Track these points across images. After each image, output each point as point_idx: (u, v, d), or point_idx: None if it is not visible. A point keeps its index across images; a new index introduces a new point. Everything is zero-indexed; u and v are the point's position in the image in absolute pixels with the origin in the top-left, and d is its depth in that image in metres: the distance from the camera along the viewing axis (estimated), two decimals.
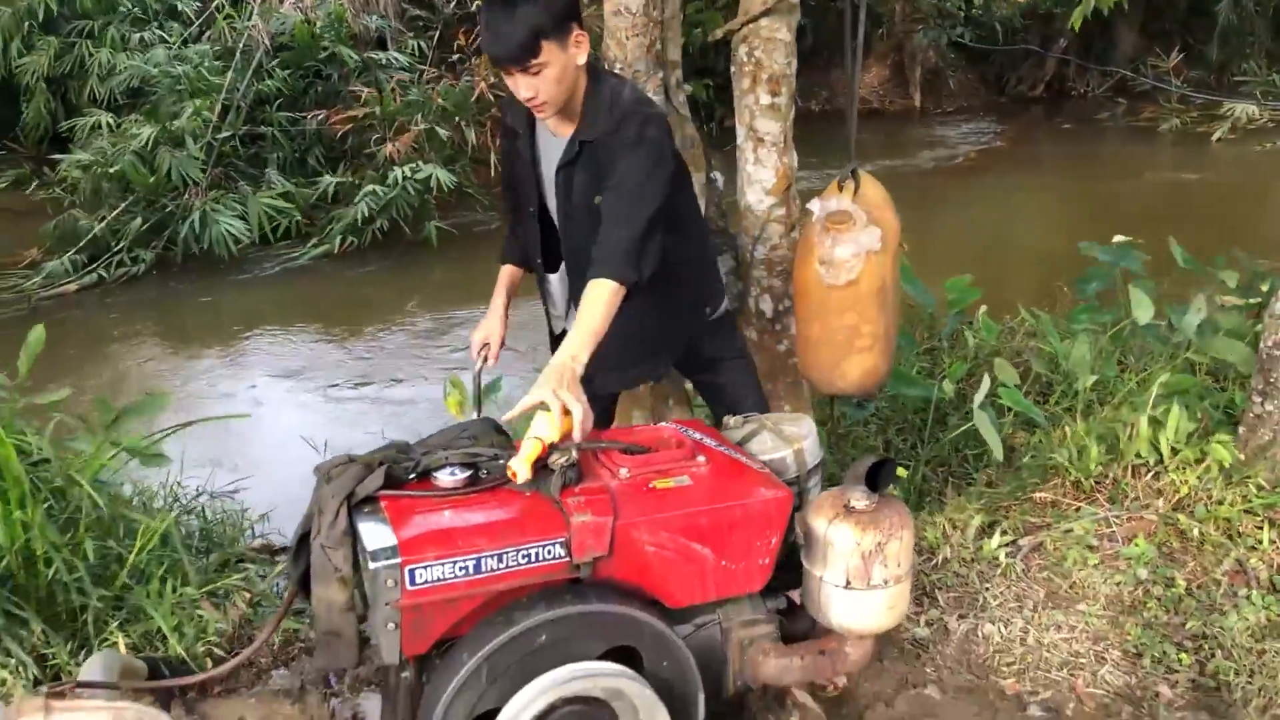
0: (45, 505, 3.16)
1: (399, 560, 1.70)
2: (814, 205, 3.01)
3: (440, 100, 9.72)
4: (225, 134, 9.60)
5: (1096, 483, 3.79)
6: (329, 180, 9.38)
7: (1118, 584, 3.33)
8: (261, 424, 6.00)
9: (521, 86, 2.33)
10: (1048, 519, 3.67)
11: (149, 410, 3.82)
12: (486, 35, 2.34)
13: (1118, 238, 5.37)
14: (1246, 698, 2.87)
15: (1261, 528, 3.50)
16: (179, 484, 3.97)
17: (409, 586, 1.71)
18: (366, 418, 6.06)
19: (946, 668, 3.00)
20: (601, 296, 2.19)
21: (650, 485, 1.91)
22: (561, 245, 2.63)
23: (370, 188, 9.01)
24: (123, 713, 1.82)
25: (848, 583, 1.97)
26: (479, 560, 1.75)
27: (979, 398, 3.79)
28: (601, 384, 2.49)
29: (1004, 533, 3.56)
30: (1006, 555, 3.44)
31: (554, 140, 2.52)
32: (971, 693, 2.91)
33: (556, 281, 2.74)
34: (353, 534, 1.81)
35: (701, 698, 1.92)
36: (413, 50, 11.10)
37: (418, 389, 6.60)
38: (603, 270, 2.23)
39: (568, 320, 2.66)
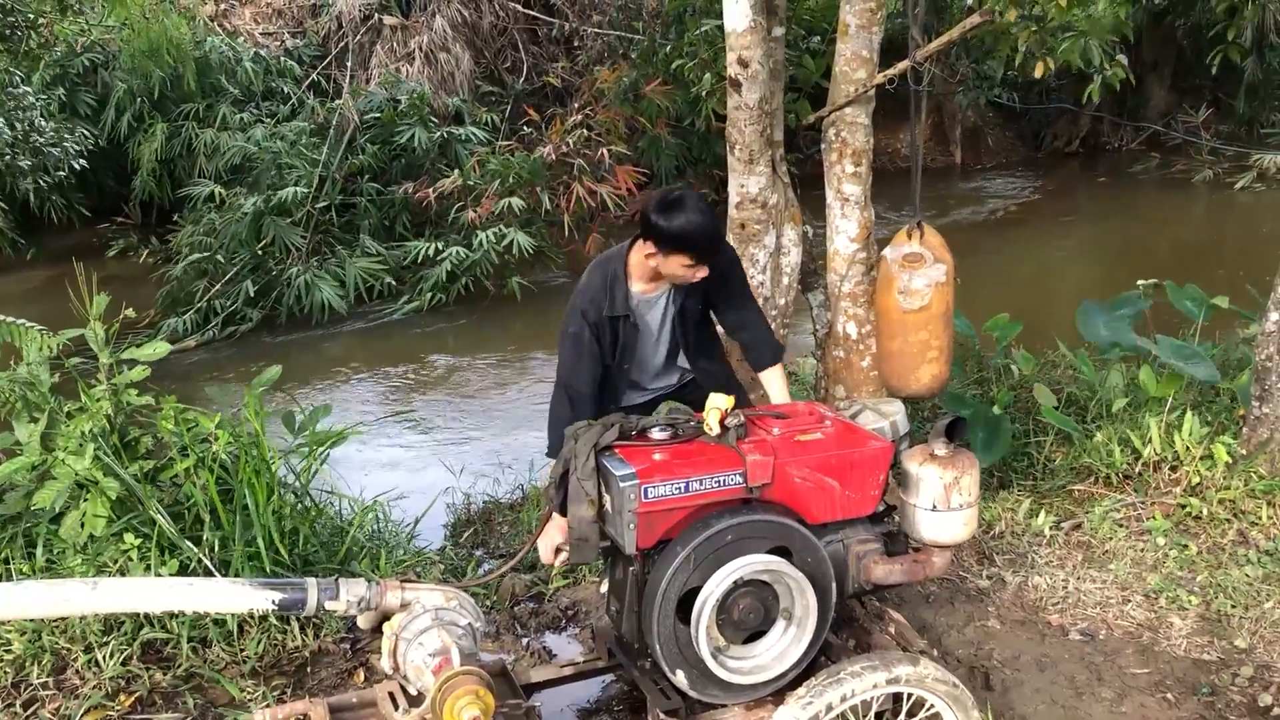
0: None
1: (638, 482, 2.53)
2: (887, 252, 3.88)
3: (516, 169, 10.55)
4: (322, 204, 10.46)
5: (1125, 477, 4.54)
6: (416, 245, 10.17)
7: (1141, 549, 4.09)
8: (373, 452, 6.72)
9: (706, 270, 3.14)
10: (1084, 507, 4.43)
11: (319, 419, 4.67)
12: (702, 233, 3.06)
13: (1140, 282, 6.14)
14: (1240, 624, 3.64)
15: (1261, 507, 4.24)
16: (361, 494, 4.76)
17: (644, 499, 2.54)
18: (464, 447, 6.73)
19: (1004, 607, 3.79)
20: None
21: (796, 438, 2.75)
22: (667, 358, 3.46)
23: (454, 249, 9.81)
24: (449, 592, 2.66)
25: (934, 507, 2.79)
26: (687, 483, 2.59)
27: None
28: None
29: (1049, 514, 4.32)
30: (1051, 529, 4.21)
31: (652, 299, 3.31)
32: (1024, 624, 3.69)
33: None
34: (598, 471, 2.65)
35: (834, 586, 2.73)
36: (487, 123, 12.01)
37: (507, 416, 7.35)
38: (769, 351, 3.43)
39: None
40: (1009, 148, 15.69)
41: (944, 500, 2.78)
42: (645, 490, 2.55)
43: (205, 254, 9.76)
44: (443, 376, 8.36)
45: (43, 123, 9.39)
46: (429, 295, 9.74)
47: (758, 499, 2.69)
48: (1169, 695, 3.31)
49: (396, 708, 2.64)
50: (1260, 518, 4.22)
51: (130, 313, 4.37)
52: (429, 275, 9.82)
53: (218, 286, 9.59)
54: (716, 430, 2.70)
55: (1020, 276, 9.90)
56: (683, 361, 3.49)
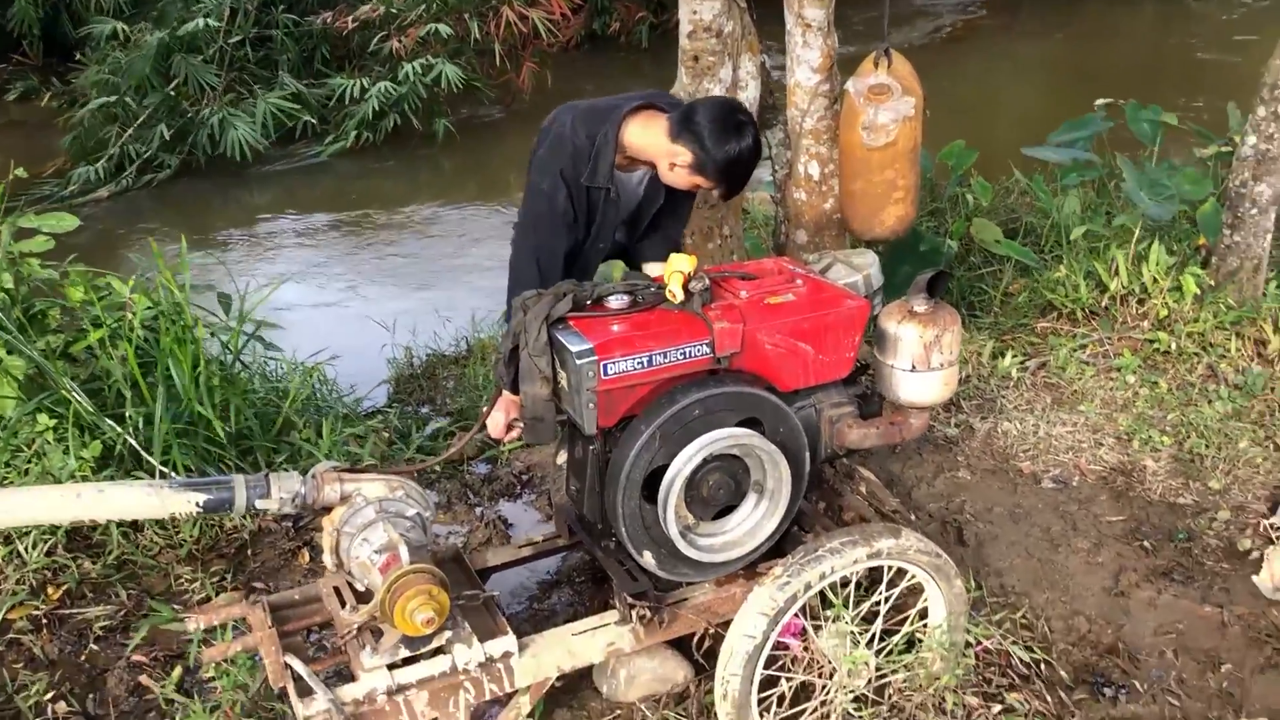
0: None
1: (596, 358, 2.29)
2: (849, 85, 3.57)
3: None
4: (235, 39, 9.80)
5: (1091, 312, 4.41)
6: (339, 81, 9.61)
7: (1111, 389, 3.99)
8: (310, 306, 6.43)
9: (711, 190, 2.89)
10: (1048, 344, 4.30)
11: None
12: (747, 174, 2.86)
13: (1100, 100, 5.90)
14: (1214, 465, 3.56)
15: (1230, 339, 4.13)
16: (293, 356, 4.50)
17: (603, 376, 2.31)
18: (402, 297, 6.43)
19: (974, 456, 3.67)
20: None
21: (765, 301, 2.51)
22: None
23: (381, 84, 9.28)
24: (392, 481, 2.44)
25: (913, 367, 2.58)
26: (650, 356, 2.34)
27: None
28: None
29: (1014, 355, 4.19)
30: (1017, 371, 4.08)
31: (633, 179, 3.01)
32: (994, 473, 3.58)
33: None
34: (551, 346, 2.40)
35: (807, 455, 2.55)
36: None
37: (441, 269, 7.03)
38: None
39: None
40: None
41: (923, 360, 2.58)
42: (604, 366, 2.32)
43: (112, 98, 9.13)
44: (373, 223, 8.00)
45: None
46: (354, 134, 9.27)
47: (726, 369, 2.47)
48: (1146, 543, 3.24)
49: (343, 605, 2.45)
50: (1229, 350, 4.12)
51: (21, 172, 3.95)
52: (354, 113, 9.32)
53: (130, 131, 9.01)
54: (680, 296, 2.45)
55: (972, 98, 9.63)
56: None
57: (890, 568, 2.58)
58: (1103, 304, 4.40)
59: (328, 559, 2.42)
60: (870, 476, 3.00)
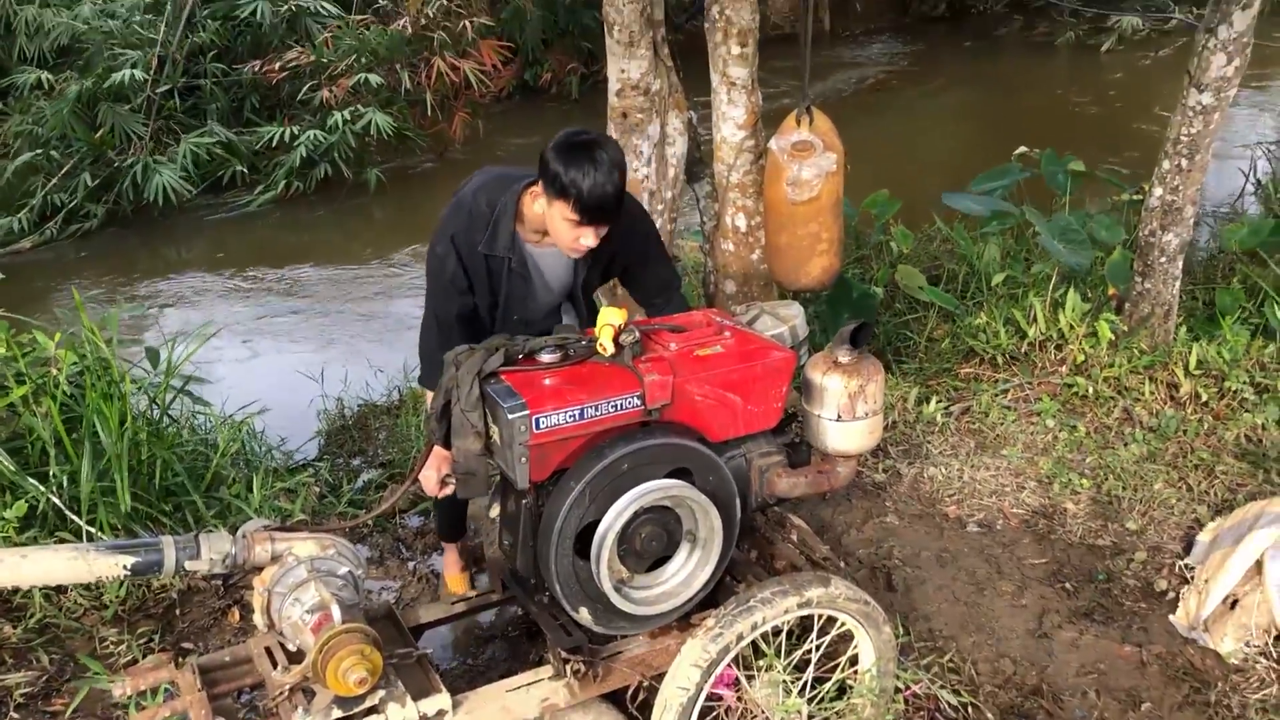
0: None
1: (528, 412, 2.32)
2: (773, 143, 3.67)
3: (373, 44, 9.95)
4: (164, 88, 9.72)
5: (1011, 358, 4.53)
6: (269, 129, 9.57)
7: (1032, 433, 4.09)
8: (238, 359, 6.35)
9: (590, 236, 2.64)
10: (971, 389, 4.41)
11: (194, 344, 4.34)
12: (590, 189, 2.53)
13: (1018, 150, 6.09)
14: (1130, 506, 3.66)
15: (1144, 383, 4.27)
16: (222, 410, 4.46)
17: (535, 430, 2.33)
18: (333, 348, 6.42)
19: (901, 501, 3.74)
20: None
21: (695, 353, 2.56)
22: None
23: (310, 133, 9.26)
24: (323, 539, 2.43)
25: (839, 416, 2.65)
26: (582, 409, 2.37)
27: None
28: None
29: (938, 400, 4.29)
30: (942, 416, 4.18)
31: (549, 254, 2.86)
32: (922, 518, 3.66)
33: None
34: (483, 401, 2.42)
35: (738, 504, 2.60)
36: None
37: (372, 318, 7.01)
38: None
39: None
40: (877, 13, 15.57)
41: (849, 409, 2.64)
42: (536, 420, 2.34)
43: (39, 150, 9.00)
44: (303, 273, 7.94)
45: None
46: (284, 183, 9.23)
47: (657, 421, 2.51)
48: (1067, 585, 3.32)
49: (275, 666, 2.43)
50: (1144, 393, 4.26)
51: None
52: (284, 161, 9.28)
53: (54, 181, 8.87)
54: (610, 349, 2.49)
55: (894, 148, 9.85)
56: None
57: (821, 616, 2.63)
58: (1022, 349, 4.53)
59: (259, 619, 2.40)
60: (801, 524, 3.05)
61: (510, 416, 2.33)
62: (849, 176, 3.77)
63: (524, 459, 2.37)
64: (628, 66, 3.73)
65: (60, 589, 3.42)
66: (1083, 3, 13.58)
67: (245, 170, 9.45)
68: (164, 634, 3.32)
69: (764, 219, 3.84)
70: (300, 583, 2.35)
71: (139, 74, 9.44)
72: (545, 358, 2.51)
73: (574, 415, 2.39)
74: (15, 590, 3.39)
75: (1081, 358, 4.41)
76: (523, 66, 11.68)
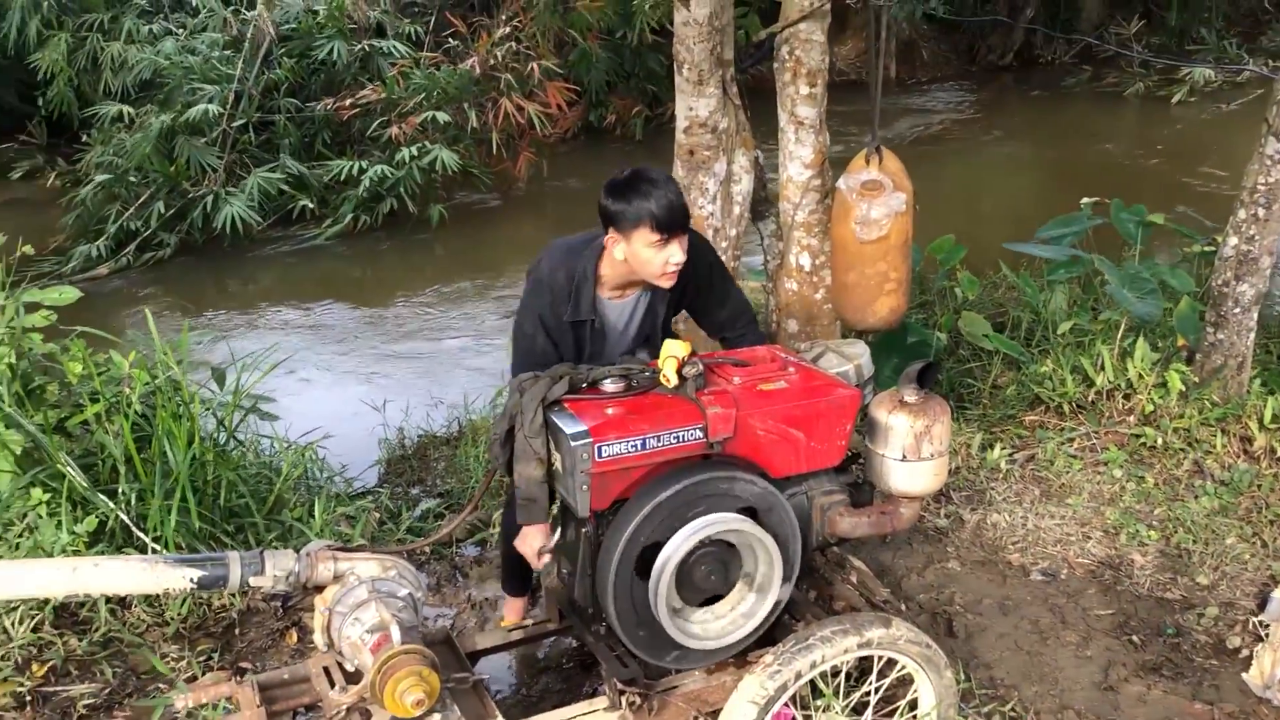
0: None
1: (591, 440, 2.33)
2: (842, 182, 3.67)
3: (442, 84, 10.13)
4: (239, 122, 9.96)
5: (1078, 407, 4.46)
6: (339, 164, 9.75)
7: (1098, 482, 4.02)
8: (302, 387, 6.44)
9: (678, 250, 2.73)
10: (1036, 436, 4.34)
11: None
12: (658, 203, 2.66)
13: (1086, 199, 6.03)
14: (1201, 560, 3.57)
15: (1215, 435, 4.18)
16: (286, 435, 4.52)
17: (597, 459, 2.34)
18: (395, 379, 6.46)
19: (964, 547, 3.69)
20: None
21: (758, 387, 2.56)
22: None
23: (377, 167, 9.41)
24: (385, 561, 2.45)
25: (903, 456, 2.62)
26: (644, 440, 2.38)
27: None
28: None
29: (1002, 447, 4.23)
30: (1006, 463, 4.12)
31: (625, 305, 2.95)
32: (984, 565, 3.60)
33: None
34: (546, 428, 2.44)
35: (799, 542, 2.58)
36: (410, 36, 11.47)
37: (434, 352, 7.03)
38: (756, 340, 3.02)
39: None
40: (943, 61, 15.49)
41: (914, 450, 2.62)
42: (599, 449, 2.35)
43: (114, 176, 9.26)
44: (367, 305, 8.05)
45: None
46: (350, 217, 9.38)
47: (719, 454, 2.50)
48: (1134, 637, 3.24)
49: (333, 685, 2.44)
50: (1215, 446, 4.17)
51: (28, 249, 4.00)
52: (351, 196, 9.45)
53: (130, 210, 9.10)
54: (674, 381, 2.49)
55: (958, 195, 9.79)
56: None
57: (880, 658, 2.59)
58: (1089, 398, 4.45)
59: (319, 638, 2.42)
60: (861, 566, 3.01)
61: (573, 444, 2.34)
62: (916, 220, 3.75)
63: (585, 487, 2.38)
64: (696, 104, 3.76)
65: (125, 605, 3.48)
66: (1154, 54, 13.50)
67: (314, 205, 9.61)
68: (223, 653, 3.36)
69: (830, 257, 3.83)
70: (361, 603, 2.37)
71: (215, 108, 9.68)
72: (609, 387, 2.52)
73: (636, 445, 2.39)
74: (82, 604, 3.45)
75: (1150, 408, 4.33)
76: (588, 108, 11.81)
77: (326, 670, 2.50)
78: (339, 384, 6.51)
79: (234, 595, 3.56)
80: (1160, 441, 4.20)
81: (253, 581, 2.32)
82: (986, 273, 6.28)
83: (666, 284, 2.82)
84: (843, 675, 2.56)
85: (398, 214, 9.54)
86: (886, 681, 2.59)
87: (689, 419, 2.45)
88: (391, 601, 2.39)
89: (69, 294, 3.97)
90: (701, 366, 2.54)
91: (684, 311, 3.16)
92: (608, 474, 2.39)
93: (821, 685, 2.52)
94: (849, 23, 13.81)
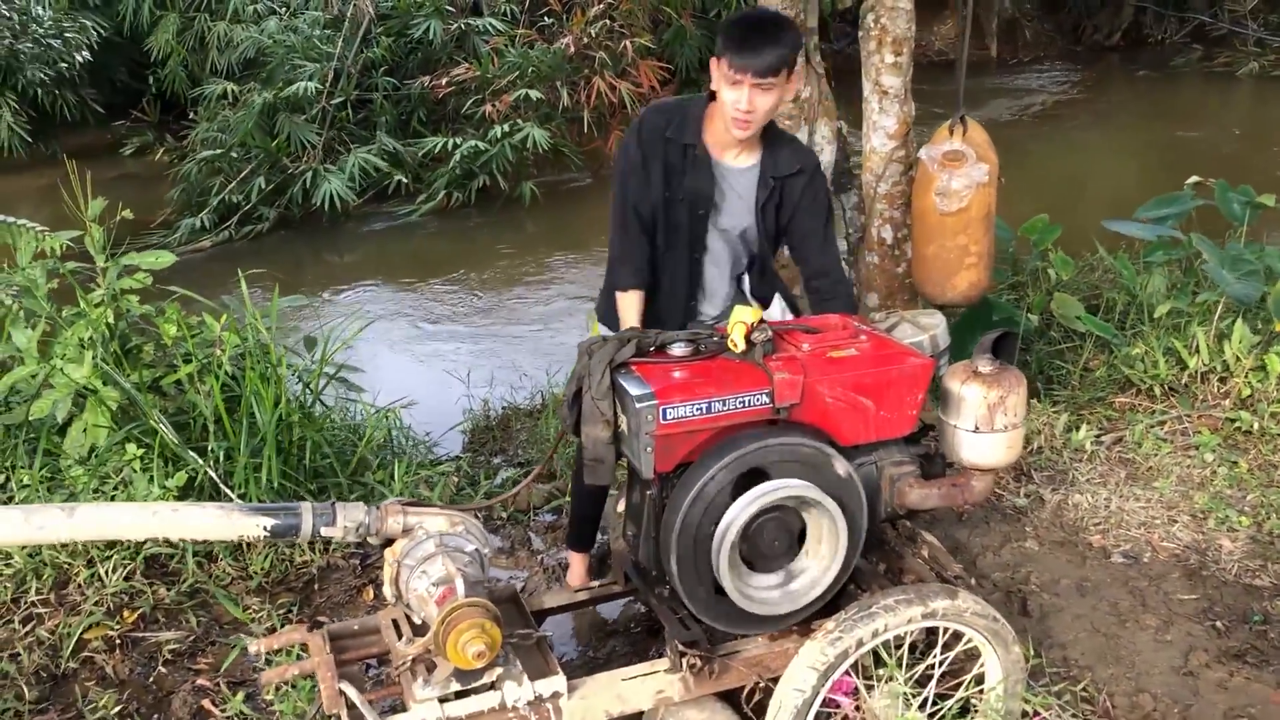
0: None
1: (656, 403, 2.34)
2: (923, 152, 3.61)
3: (535, 62, 10.19)
4: (337, 100, 10.17)
5: (1170, 389, 4.33)
6: (432, 140, 9.90)
7: (1187, 466, 3.90)
8: (389, 356, 6.59)
9: (745, 99, 2.66)
10: (1125, 419, 4.22)
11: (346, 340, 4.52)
12: (742, 43, 2.63)
13: (1191, 179, 5.82)
14: None
15: None
16: (373, 401, 4.61)
17: (662, 421, 2.35)
18: (481, 351, 6.56)
19: (1043, 527, 3.61)
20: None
21: (828, 354, 2.54)
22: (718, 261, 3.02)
23: (471, 143, 9.52)
24: (454, 517, 2.50)
25: (976, 428, 2.58)
26: (710, 404, 2.38)
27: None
28: None
29: (1089, 428, 4.12)
30: (1091, 445, 4.02)
31: (734, 169, 2.90)
32: (1063, 545, 3.52)
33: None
34: (613, 390, 2.46)
35: (866, 511, 2.55)
36: (505, 14, 11.56)
37: (522, 325, 7.13)
38: (845, 306, 2.90)
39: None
40: (1047, 41, 15.10)
41: (987, 421, 2.57)
42: (664, 411, 2.35)
43: (218, 151, 9.55)
44: (457, 281, 8.18)
45: (40, 10, 9.01)
46: (444, 193, 9.54)
47: (785, 420, 2.49)
48: (1218, 623, 3.14)
49: (400, 637, 2.50)
50: None
51: (127, 214, 4.15)
52: (444, 172, 9.59)
53: (232, 184, 9.38)
54: (741, 346, 2.49)
55: (1058, 176, 9.55)
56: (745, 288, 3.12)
57: (946, 631, 2.55)
58: (1183, 381, 4.32)
59: (387, 590, 2.47)
60: (933, 541, 2.96)
61: (638, 406, 2.35)
62: (1007, 201, 3.66)
63: (650, 449, 2.38)
64: None
65: (211, 558, 3.60)
66: (1270, 31, 12.95)
67: (408, 181, 9.78)
68: (302, 606, 3.46)
69: (911, 230, 3.78)
70: (428, 556, 2.41)
71: (315, 86, 9.91)
72: (676, 351, 2.53)
73: (701, 409, 2.39)
74: (171, 555, 3.58)
75: (1247, 392, 4.18)
76: (679, 87, 11.78)
77: (395, 622, 2.55)
78: (425, 354, 6.63)
79: (314, 550, 3.66)
80: (1256, 426, 4.05)
81: (324, 532, 2.37)
82: (1083, 254, 6.11)
83: (737, 132, 2.76)
84: (906, 646, 2.53)
85: (490, 191, 9.67)
86: (952, 654, 2.55)
87: (755, 384, 2.44)
88: (458, 556, 2.43)
89: (166, 258, 4.11)
90: (770, 332, 2.53)
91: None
92: (672, 436, 2.39)
93: (884, 655, 2.49)
94: (949, 2, 13.53)
